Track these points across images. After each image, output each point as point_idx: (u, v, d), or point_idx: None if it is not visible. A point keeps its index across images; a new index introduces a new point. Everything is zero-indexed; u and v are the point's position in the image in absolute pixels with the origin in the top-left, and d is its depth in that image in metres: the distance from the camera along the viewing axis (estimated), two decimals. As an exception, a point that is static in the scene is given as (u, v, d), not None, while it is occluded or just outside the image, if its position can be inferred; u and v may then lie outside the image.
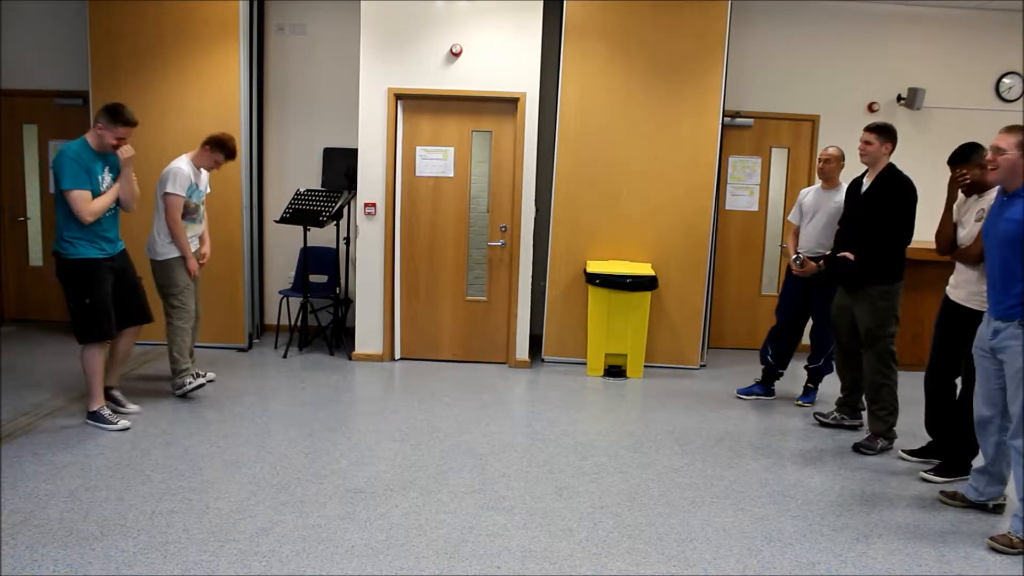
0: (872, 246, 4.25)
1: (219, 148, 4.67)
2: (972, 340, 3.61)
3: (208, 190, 4.90)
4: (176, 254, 4.60)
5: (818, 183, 5.05)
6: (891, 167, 4.28)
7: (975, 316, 3.67)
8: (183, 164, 4.59)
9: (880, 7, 6.37)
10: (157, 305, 4.67)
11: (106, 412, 4.20)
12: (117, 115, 3.98)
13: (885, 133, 4.28)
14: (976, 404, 3.50)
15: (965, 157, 3.82)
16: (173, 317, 4.68)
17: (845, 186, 4.84)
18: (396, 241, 5.83)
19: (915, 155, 5.78)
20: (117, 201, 4.16)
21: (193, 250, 4.74)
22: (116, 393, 4.42)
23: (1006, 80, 6.51)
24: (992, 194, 3.69)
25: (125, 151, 4.05)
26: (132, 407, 4.42)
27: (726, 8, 5.61)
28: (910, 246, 4.29)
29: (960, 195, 3.90)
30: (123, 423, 4.19)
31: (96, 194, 4.01)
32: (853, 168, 4.61)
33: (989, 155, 3.35)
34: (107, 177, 4.09)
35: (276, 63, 6.30)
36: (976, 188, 3.81)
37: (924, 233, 4.26)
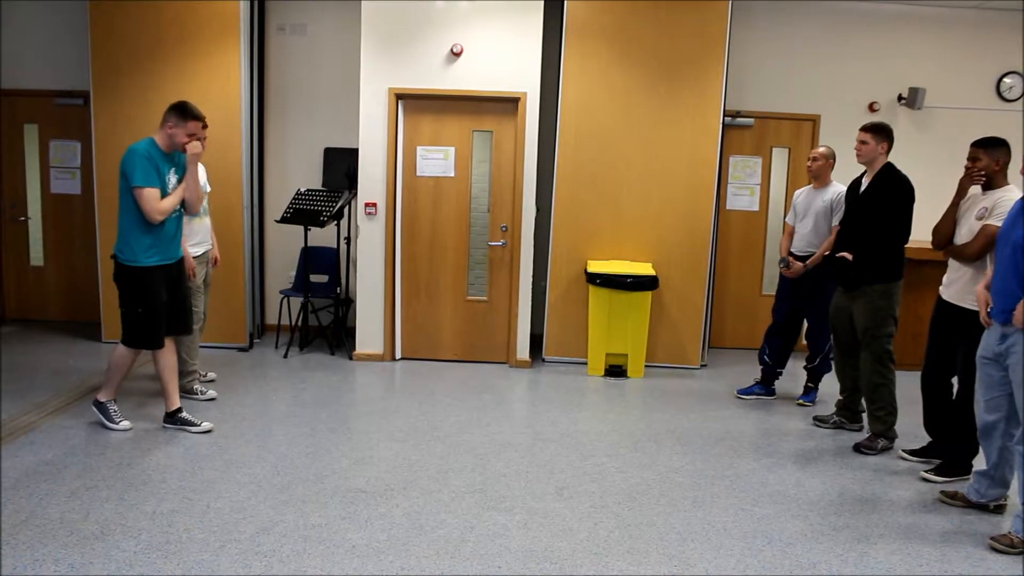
0: (869, 245, 4.25)
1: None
2: (966, 338, 3.62)
3: (208, 189, 4.91)
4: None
5: (811, 183, 5.06)
6: (888, 166, 4.27)
7: (968, 315, 3.68)
8: None
9: (880, 7, 6.36)
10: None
11: (112, 408, 4.17)
12: (185, 112, 3.97)
13: (880, 132, 4.27)
14: (978, 411, 3.48)
15: (987, 144, 3.76)
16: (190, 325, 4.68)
17: (835, 185, 4.87)
18: (397, 241, 5.83)
19: (916, 155, 5.79)
20: (182, 205, 4.12)
21: (204, 249, 4.74)
22: (185, 415, 4.23)
23: (1007, 80, 6.50)
24: (998, 194, 3.68)
25: (193, 147, 4.01)
26: (206, 424, 4.22)
27: (726, 8, 5.60)
28: (909, 245, 4.29)
29: (971, 189, 3.88)
30: (124, 424, 4.16)
31: (164, 194, 3.97)
32: (854, 168, 4.61)
33: None
34: (173, 178, 4.06)
35: (277, 63, 6.30)
36: (983, 184, 3.79)
37: (923, 232, 4.26)
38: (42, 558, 2.88)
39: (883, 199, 4.22)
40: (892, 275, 4.26)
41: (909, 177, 4.23)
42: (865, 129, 4.31)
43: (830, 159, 4.91)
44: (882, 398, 4.31)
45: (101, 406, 4.19)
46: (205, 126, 4.59)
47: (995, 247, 3.43)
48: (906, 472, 4.07)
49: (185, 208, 4.18)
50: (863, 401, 4.64)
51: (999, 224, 3.52)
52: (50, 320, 6.59)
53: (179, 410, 4.24)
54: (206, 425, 4.23)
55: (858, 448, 4.34)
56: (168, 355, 4.20)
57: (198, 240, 4.67)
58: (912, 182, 4.22)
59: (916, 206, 4.21)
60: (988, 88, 6.52)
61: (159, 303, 4.04)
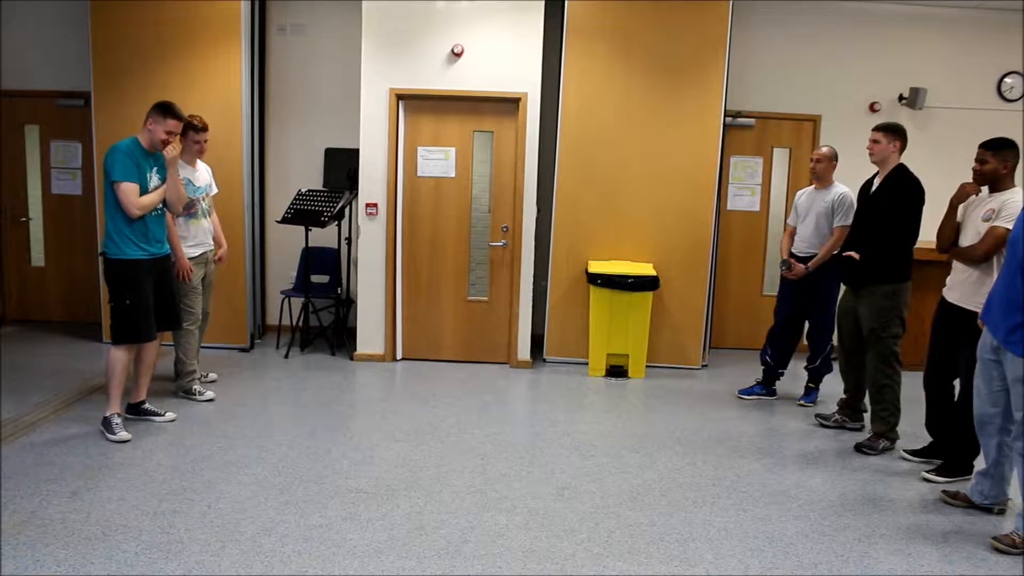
0: (877, 245, 4.24)
1: (182, 127, 4.60)
2: (968, 340, 3.61)
3: (215, 190, 4.91)
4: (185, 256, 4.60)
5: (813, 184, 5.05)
6: (901, 167, 4.26)
7: (971, 316, 3.67)
8: None
9: (881, 7, 6.36)
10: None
11: (116, 421, 4.09)
12: (167, 110, 4.05)
13: (893, 132, 4.26)
14: (977, 403, 3.48)
15: (995, 146, 3.72)
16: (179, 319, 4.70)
17: (837, 186, 4.86)
18: (397, 241, 5.83)
19: (916, 155, 5.73)
20: (164, 204, 4.20)
21: (203, 251, 4.73)
22: (148, 406, 4.37)
23: (1008, 80, 6.50)
24: (1005, 196, 3.67)
25: (170, 149, 4.10)
26: (169, 414, 4.38)
27: (727, 8, 5.60)
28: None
29: (972, 195, 3.85)
30: (123, 435, 4.06)
31: (144, 191, 4.04)
32: (859, 169, 4.60)
33: None
34: (155, 177, 4.13)
35: (277, 63, 6.30)
36: (989, 185, 3.78)
37: (926, 233, 4.25)
38: (43, 558, 2.88)
39: (893, 199, 4.21)
40: (899, 276, 4.25)
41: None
42: (878, 128, 4.30)
43: (833, 160, 4.89)
44: (886, 399, 4.30)
45: (106, 421, 4.11)
46: (204, 129, 4.64)
47: (1006, 250, 3.42)
48: (907, 472, 4.07)
49: (167, 208, 4.26)
50: (866, 401, 4.64)
51: (1007, 226, 3.52)
52: (50, 320, 6.59)
53: (143, 402, 4.36)
54: (170, 415, 4.33)
55: (859, 448, 4.34)
56: (150, 351, 4.29)
57: (196, 242, 4.67)
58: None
59: (923, 208, 4.20)
60: (989, 88, 6.52)
61: (145, 294, 4.10)
